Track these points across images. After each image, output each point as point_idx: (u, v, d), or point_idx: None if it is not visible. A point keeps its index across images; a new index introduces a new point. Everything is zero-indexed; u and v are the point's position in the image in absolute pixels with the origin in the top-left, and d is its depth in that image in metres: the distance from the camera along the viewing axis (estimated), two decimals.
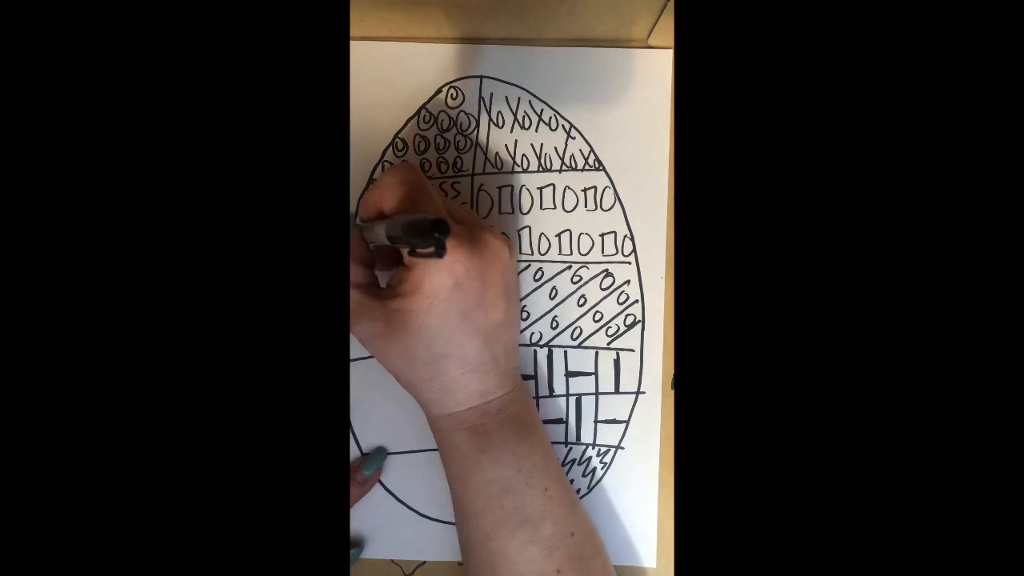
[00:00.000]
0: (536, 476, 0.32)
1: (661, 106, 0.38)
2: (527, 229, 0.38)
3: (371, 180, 0.38)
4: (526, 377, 0.38)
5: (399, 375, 0.32)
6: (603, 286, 0.38)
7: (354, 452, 0.38)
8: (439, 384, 0.31)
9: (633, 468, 0.38)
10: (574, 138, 0.38)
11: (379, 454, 0.38)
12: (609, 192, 0.38)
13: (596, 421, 0.38)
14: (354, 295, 0.30)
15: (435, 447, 0.38)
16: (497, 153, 0.38)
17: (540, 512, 0.31)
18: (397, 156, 0.38)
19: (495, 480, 0.31)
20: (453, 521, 0.38)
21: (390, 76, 0.38)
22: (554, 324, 0.38)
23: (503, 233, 0.35)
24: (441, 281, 0.29)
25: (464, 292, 0.29)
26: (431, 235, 0.24)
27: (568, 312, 0.38)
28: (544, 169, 0.38)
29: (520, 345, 0.38)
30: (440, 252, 0.24)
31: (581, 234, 0.38)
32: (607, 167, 0.38)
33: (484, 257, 0.30)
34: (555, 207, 0.38)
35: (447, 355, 0.30)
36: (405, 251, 0.29)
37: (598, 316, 0.38)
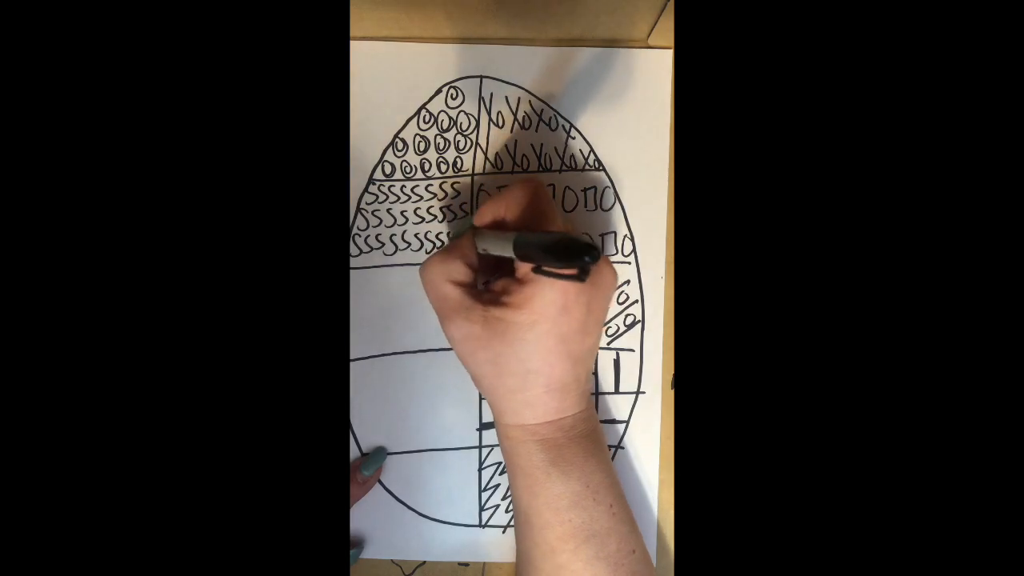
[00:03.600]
0: (603, 492, 0.32)
1: (661, 106, 0.38)
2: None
3: (371, 180, 0.38)
4: None
5: (481, 379, 0.32)
6: None
7: (354, 452, 0.38)
8: (521, 397, 0.31)
9: (633, 468, 0.38)
10: (574, 138, 0.38)
11: (379, 454, 0.38)
12: (609, 192, 0.38)
13: None
14: (455, 292, 0.31)
15: (435, 447, 0.38)
16: (497, 153, 0.38)
17: (606, 528, 0.31)
18: (397, 156, 0.38)
19: (564, 494, 0.31)
20: (453, 521, 0.38)
21: (390, 76, 0.38)
22: None
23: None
24: (552, 301, 0.29)
25: (569, 316, 0.29)
26: (581, 259, 0.24)
27: None
28: (544, 169, 0.38)
29: None
30: (583, 277, 0.24)
31: (581, 234, 0.38)
32: (607, 167, 0.38)
33: (596, 284, 0.30)
34: None
35: (536, 372, 0.30)
36: (525, 266, 0.29)
37: None
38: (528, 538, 0.33)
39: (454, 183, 0.38)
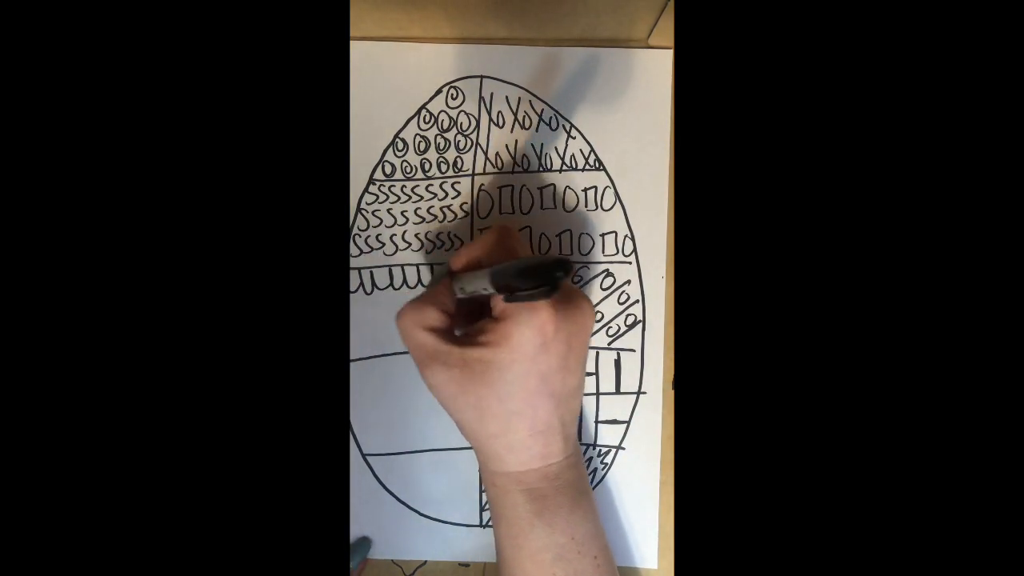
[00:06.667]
0: (587, 544, 0.31)
1: (661, 106, 0.38)
2: (527, 229, 0.38)
3: (371, 180, 0.38)
4: None
5: (465, 424, 0.31)
6: (604, 286, 0.38)
7: (354, 454, 0.38)
8: (504, 441, 0.30)
9: (634, 469, 0.38)
10: (574, 138, 0.38)
11: (363, 545, 0.38)
12: (609, 192, 0.38)
13: (597, 421, 0.38)
14: (430, 338, 0.30)
15: (436, 447, 0.38)
16: (497, 153, 0.38)
17: None
18: (397, 156, 0.38)
19: (548, 547, 0.31)
20: (453, 521, 0.38)
21: (390, 76, 0.38)
22: None
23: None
24: (530, 338, 0.28)
25: (549, 353, 0.29)
26: (552, 274, 0.24)
27: None
28: (544, 169, 0.38)
29: None
30: (553, 291, 0.25)
31: (582, 234, 0.38)
32: (607, 167, 0.38)
33: (575, 320, 0.30)
34: (556, 207, 0.38)
35: (519, 413, 0.29)
36: (497, 299, 0.29)
37: (599, 316, 0.38)
38: None
39: (454, 183, 0.38)
